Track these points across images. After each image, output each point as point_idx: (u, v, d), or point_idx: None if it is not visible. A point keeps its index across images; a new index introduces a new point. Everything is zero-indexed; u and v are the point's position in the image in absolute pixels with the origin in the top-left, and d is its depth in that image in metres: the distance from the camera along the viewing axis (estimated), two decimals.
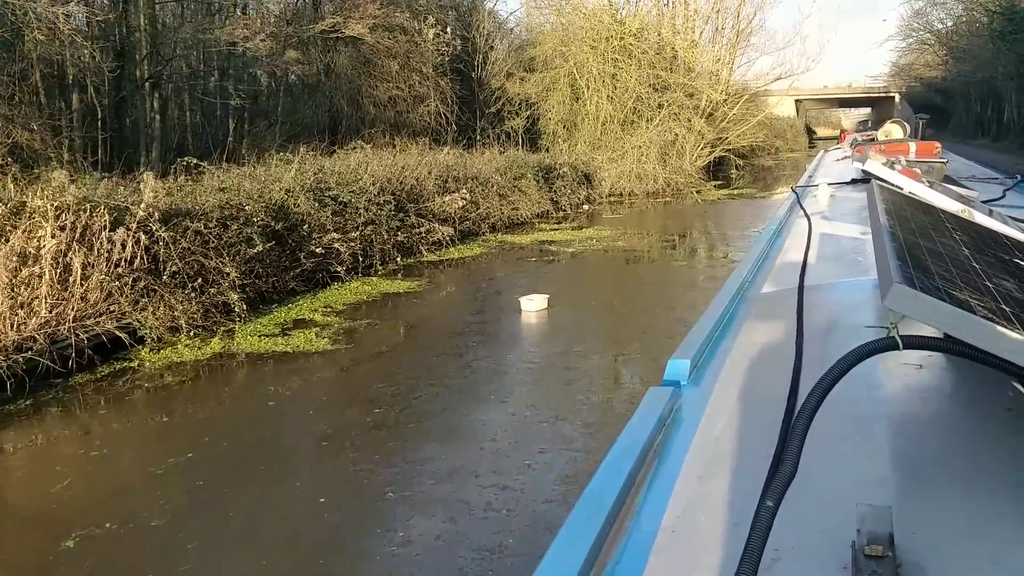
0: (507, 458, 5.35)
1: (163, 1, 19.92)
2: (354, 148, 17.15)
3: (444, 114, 25.73)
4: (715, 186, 28.18)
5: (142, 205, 9.71)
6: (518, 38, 33.91)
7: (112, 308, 9.10)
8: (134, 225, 9.59)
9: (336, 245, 12.52)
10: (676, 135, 28.17)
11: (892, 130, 13.78)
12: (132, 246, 9.58)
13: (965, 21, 45.76)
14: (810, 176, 8.09)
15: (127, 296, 9.29)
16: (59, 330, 8.59)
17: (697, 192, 26.19)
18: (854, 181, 6.15)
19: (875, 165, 4.93)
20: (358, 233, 13.17)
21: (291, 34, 21.35)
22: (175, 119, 21.66)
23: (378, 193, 14.35)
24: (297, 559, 4.29)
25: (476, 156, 21.33)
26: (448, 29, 30.20)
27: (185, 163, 12.99)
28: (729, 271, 3.26)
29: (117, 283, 9.25)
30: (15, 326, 8.34)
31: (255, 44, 18.15)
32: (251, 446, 5.82)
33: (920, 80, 57.99)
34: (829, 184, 5.94)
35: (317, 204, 12.89)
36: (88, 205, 9.54)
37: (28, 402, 7.14)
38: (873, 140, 13.59)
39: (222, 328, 9.67)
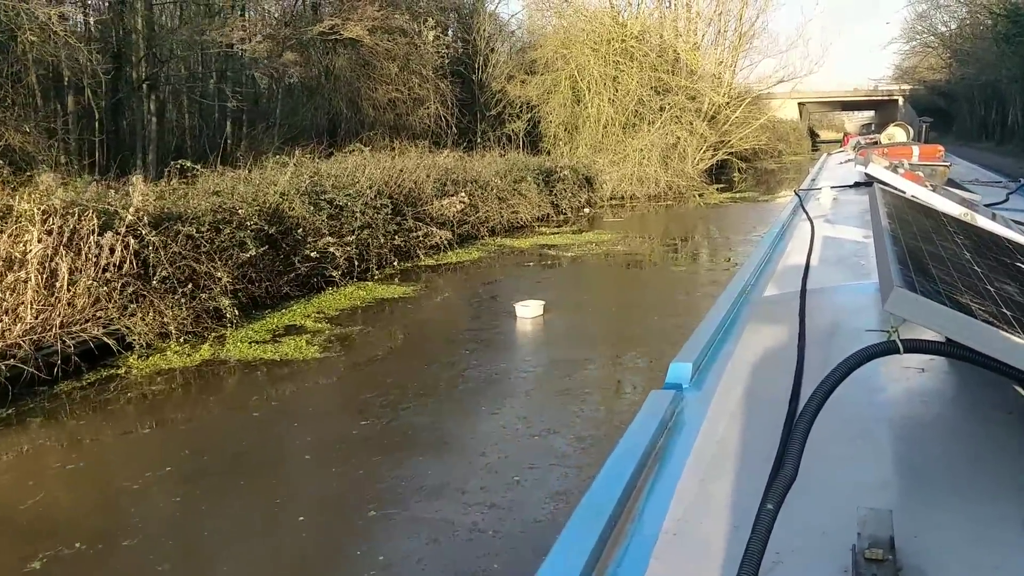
0: (496, 474, 5.15)
1: (160, 2, 19.75)
2: (352, 151, 16.97)
3: (444, 117, 25.55)
4: (717, 189, 27.98)
5: (131, 209, 9.52)
6: (520, 40, 33.80)
7: (99, 314, 8.92)
8: (123, 229, 9.42)
9: (331, 249, 12.33)
10: (678, 138, 27.98)
11: (895, 133, 13.75)
12: (121, 251, 9.41)
13: (969, 24, 45.57)
14: (813, 179, 8.04)
15: (115, 302, 9.10)
16: (45, 337, 8.41)
17: (699, 195, 26.01)
18: (857, 184, 6.08)
19: (878, 169, 4.92)
20: (354, 237, 12.98)
21: (289, 36, 21.19)
22: (173, 121, 21.52)
23: (375, 196, 14.16)
24: None
25: (476, 159, 21.15)
26: (449, 32, 30.05)
27: (179, 166, 12.85)
28: (731, 276, 3.13)
29: (105, 288, 9.07)
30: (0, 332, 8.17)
31: (252, 46, 17.97)
32: (232, 459, 5.63)
33: (924, 83, 57.76)
34: (832, 187, 5.91)
35: (312, 208, 12.70)
36: (76, 209, 9.38)
37: (10, 411, 6.96)
38: (876, 143, 13.54)
39: (213, 334, 9.50)
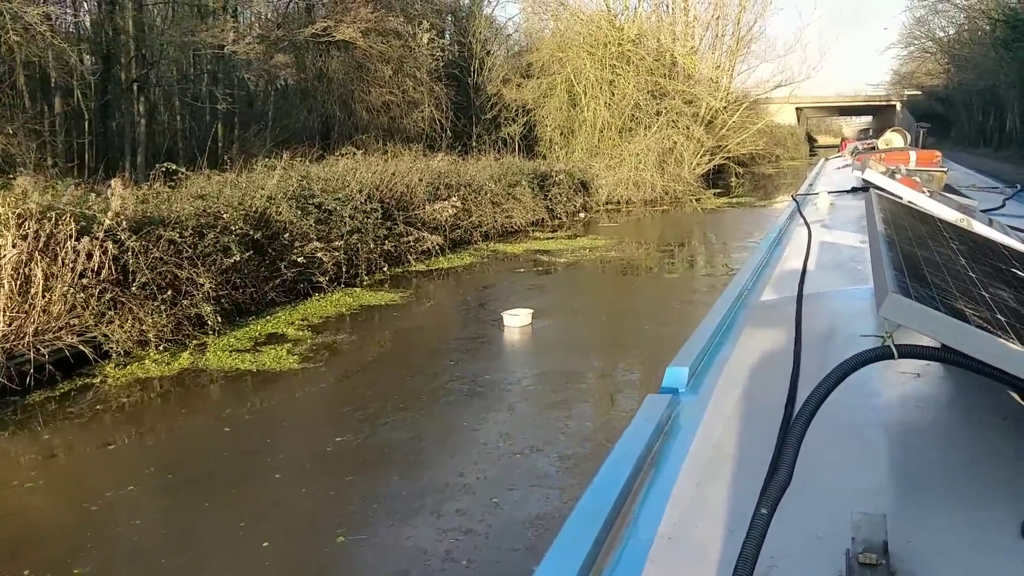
0: (473, 496, 4.89)
1: (151, 3, 19.50)
2: (344, 154, 16.73)
3: (439, 120, 25.32)
4: (714, 194, 27.76)
5: (108, 213, 9.27)
6: (516, 44, 33.59)
7: (75, 321, 8.67)
8: (101, 234, 9.16)
9: (319, 255, 12.08)
10: (675, 143, 27.77)
11: (893, 139, 13.68)
12: (99, 256, 9.16)
13: (967, 29, 45.45)
14: (810, 184, 8.02)
15: (92, 308, 8.85)
16: (18, 345, 8.16)
17: (696, 200, 25.79)
18: (854, 190, 6.10)
19: (875, 174, 4.91)
20: (342, 242, 12.73)
21: (282, 38, 20.94)
22: (165, 124, 21.26)
23: (365, 200, 13.91)
24: None
25: (471, 163, 20.91)
26: (446, 35, 29.83)
27: (164, 169, 12.60)
28: (726, 283, 2.99)
29: (82, 295, 8.82)
30: None
31: (242, 47, 17.72)
32: (197, 478, 5.37)
33: (921, 88, 57.63)
34: (829, 192, 5.91)
35: (300, 212, 12.45)
36: (53, 213, 9.12)
37: None
38: (874, 149, 13.44)
39: (194, 342, 9.25)
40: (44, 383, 7.78)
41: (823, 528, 1.13)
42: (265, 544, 4.43)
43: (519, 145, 28.05)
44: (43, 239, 8.90)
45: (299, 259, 11.75)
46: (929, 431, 1.53)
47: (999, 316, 1.30)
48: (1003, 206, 5.69)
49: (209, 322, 9.57)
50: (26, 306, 8.49)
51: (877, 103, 65.98)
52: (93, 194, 10.58)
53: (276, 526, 4.65)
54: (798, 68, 58.41)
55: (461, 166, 19.81)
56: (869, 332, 1.92)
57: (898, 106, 62.04)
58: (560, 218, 20.90)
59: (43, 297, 8.64)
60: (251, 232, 11.11)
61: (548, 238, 17.77)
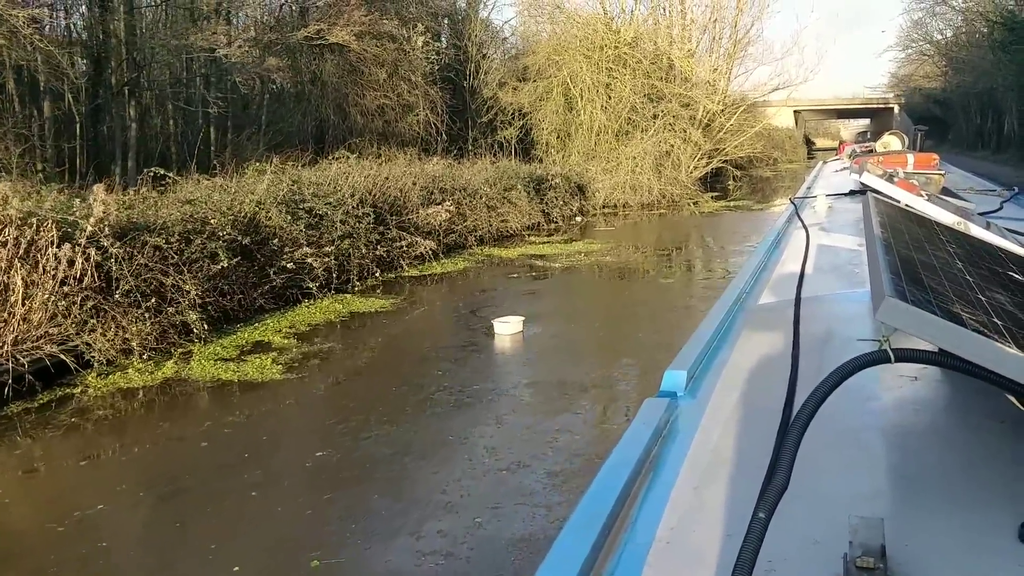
0: (456, 515, 4.68)
1: (141, 6, 19.32)
2: (337, 158, 16.54)
3: (434, 123, 25.15)
4: (712, 197, 27.59)
5: (90, 220, 9.07)
6: (513, 47, 33.43)
7: (55, 330, 8.46)
8: (83, 241, 8.96)
9: (309, 260, 11.88)
10: (671, 146, 27.61)
11: (890, 142, 13.69)
12: (82, 263, 8.96)
13: (965, 32, 45.39)
14: (808, 187, 8.00)
15: (74, 317, 8.66)
16: None
17: (694, 204, 25.64)
18: (852, 193, 6.08)
19: (872, 178, 4.91)
20: (333, 248, 12.53)
21: (275, 41, 20.75)
22: (158, 128, 21.07)
23: (357, 205, 13.71)
24: None
25: (466, 166, 20.72)
26: (442, 38, 29.67)
27: (152, 173, 12.42)
28: (724, 288, 2.92)
29: (64, 303, 8.62)
30: None
31: (232, 51, 17.52)
32: (170, 497, 5.16)
33: (919, 91, 57.52)
34: (827, 196, 5.90)
35: (290, 217, 12.26)
36: (34, 219, 8.93)
37: None
38: (871, 152, 13.39)
39: (180, 350, 9.06)
40: (23, 394, 7.58)
41: (821, 532, 1.13)
42: (236, 569, 4.22)
43: (515, 149, 27.89)
44: (23, 246, 8.72)
45: (289, 265, 11.55)
46: (926, 434, 1.53)
47: (996, 320, 1.30)
48: (1000, 209, 5.67)
49: (195, 330, 9.38)
50: (5, 315, 8.30)
51: (875, 106, 65.92)
52: (78, 199, 10.37)
53: (249, 549, 4.44)
54: (796, 71, 58.20)
55: (456, 170, 19.62)
56: (867, 336, 1.91)
57: (896, 109, 61.97)
58: (556, 222, 20.72)
59: (23, 305, 8.44)
60: (239, 238, 10.91)
61: (544, 242, 17.59)
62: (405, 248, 14.53)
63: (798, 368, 1.71)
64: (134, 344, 8.76)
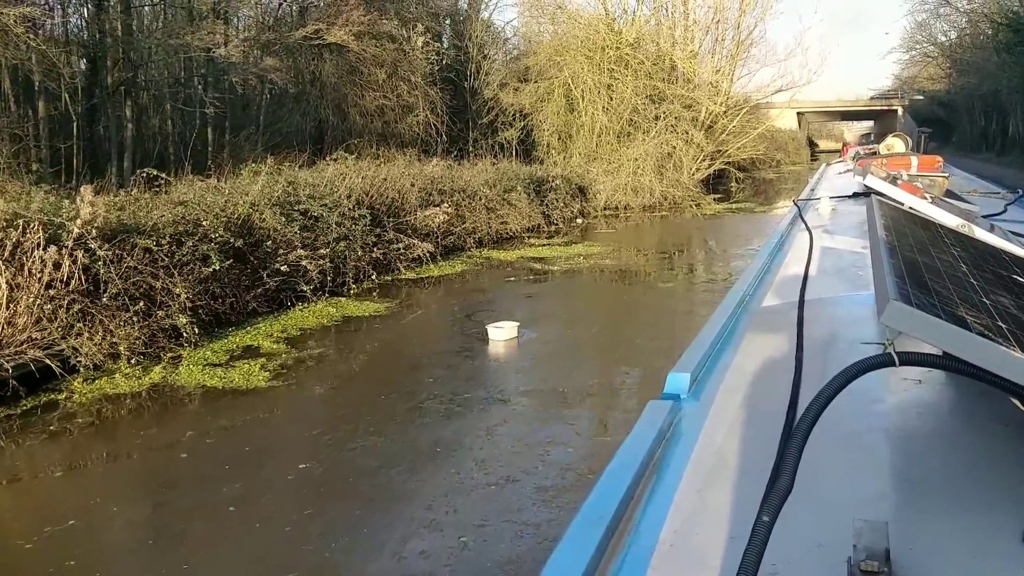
0: (440, 534, 4.47)
1: (138, 5, 19.16)
2: (335, 159, 16.36)
3: (434, 124, 24.96)
4: (714, 199, 27.37)
5: (77, 222, 8.89)
6: (515, 48, 33.25)
7: (40, 335, 8.28)
8: (70, 243, 8.79)
9: (303, 263, 11.69)
10: (674, 147, 27.39)
11: (894, 144, 13.69)
12: (69, 265, 8.79)
13: (969, 33, 45.14)
14: (812, 189, 7.97)
15: (60, 321, 8.48)
16: None
17: (696, 206, 25.43)
18: (856, 195, 6.04)
19: (876, 180, 4.88)
20: (328, 250, 12.34)
21: (273, 40, 20.58)
22: (156, 128, 20.91)
23: (354, 207, 13.53)
24: None
25: (466, 168, 20.53)
26: (443, 38, 29.50)
27: (145, 174, 12.26)
28: (724, 293, 2.90)
29: (50, 306, 8.44)
30: None
31: (227, 50, 17.35)
32: (144, 512, 4.97)
33: (923, 93, 57.22)
34: (831, 198, 5.89)
35: (284, 219, 12.07)
36: (20, 221, 8.75)
37: None
38: (875, 154, 13.32)
39: (169, 355, 8.89)
40: (7, 399, 7.41)
41: (825, 535, 1.13)
42: None
43: (516, 150, 27.71)
44: (9, 248, 8.55)
45: (282, 267, 11.36)
46: (931, 438, 1.52)
47: (1000, 323, 1.29)
48: (1005, 211, 5.61)
49: (185, 334, 9.19)
50: None
51: (878, 108, 65.66)
52: (67, 201, 10.19)
53: (223, 569, 4.24)
54: (799, 72, 57.73)
55: (456, 171, 19.43)
56: (871, 339, 1.87)
57: (899, 111, 61.71)
58: (557, 224, 20.53)
59: (7, 309, 8.27)
60: (232, 240, 10.73)
61: (543, 245, 17.39)
62: (402, 250, 14.34)
63: (802, 371, 1.68)
64: (122, 349, 8.59)
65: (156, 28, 19.39)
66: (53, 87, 16.62)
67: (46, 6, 15.86)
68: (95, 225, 9.14)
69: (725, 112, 30.48)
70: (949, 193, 6.04)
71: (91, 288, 8.90)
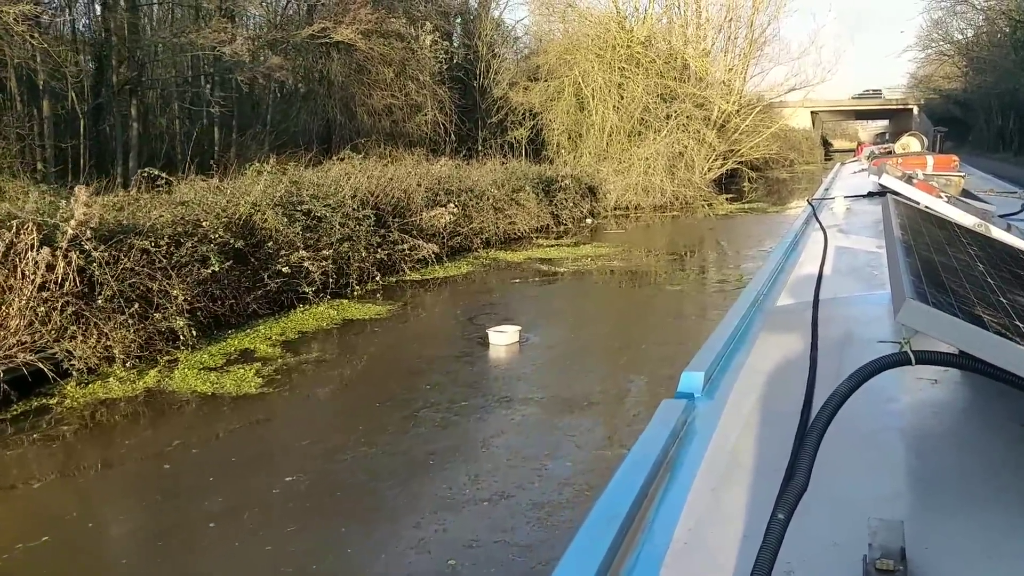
0: (428, 556, 4.23)
1: (144, 3, 19.03)
2: (342, 158, 16.18)
3: (442, 124, 24.74)
4: (727, 199, 27.04)
5: (71, 222, 8.71)
6: (526, 46, 33.01)
7: (33, 337, 8.11)
8: (64, 244, 8.62)
9: (305, 264, 11.49)
10: (685, 147, 27.07)
11: (909, 143, 13.73)
12: (63, 267, 8.62)
13: (986, 31, 44.61)
14: (826, 189, 7.92)
15: (54, 323, 8.31)
16: None
17: (708, 205, 25.13)
18: (871, 194, 6.02)
19: (891, 179, 4.83)
20: (332, 251, 12.14)
21: (279, 39, 20.42)
22: (164, 127, 20.81)
23: (358, 207, 13.32)
24: None
25: (475, 167, 20.32)
26: (453, 37, 29.29)
27: (146, 174, 12.11)
28: (736, 296, 2.82)
29: (43, 308, 8.28)
30: None
31: (233, 49, 17.19)
32: (119, 529, 4.75)
33: (939, 92, 56.58)
34: (846, 197, 5.87)
35: (287, 219, 11.87)
36: (14, 222, 8.59)
37: None
38: (890, 153, 13.27)
39: (166, 358, 8.71)
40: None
41: (840, 534, 1.12)
42: None
43: (526, 149, 27.47)
44: (1, 249, 8.38)
45: (284, 269, 11.16)
46: (946, 437, 1.52)
47: (1018, 322, 1.29)
48: (1022, 211, 5.51)
49: (182, 337, 9.02)
50: None
51: (894, 107, 65.04)
52: (65, 201, 10.04)
53: None
54: (813, 71, 57.19)
55: (464, 171, 19.22)
56: (886, 338, 1.79)
57: (915, 110, 61.12)
58: (566, 224, 20.28)
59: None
60: (232, 241, 10.54)
61: (551, 246, 17.14)
62: (407, 251, 14.13)
63: (816, 370, 1.68)
64: (116, 352, 8.43)
65: (162, 27, 19.25)
66: (58, 86, 16.52)
67: (52, 4, 15.73)
68: (90, 226, 8.97)
69: (738, 111, 30.15)
70: (965, 192, 6.01)
71: (86, 290, 8.74)
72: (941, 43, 51.79)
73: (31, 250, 8.48)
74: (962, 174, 7.73)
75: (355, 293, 11.96)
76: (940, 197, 4.30)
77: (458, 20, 30.01)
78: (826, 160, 50.90)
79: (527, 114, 28.01)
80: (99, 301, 8.69)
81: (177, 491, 5.24)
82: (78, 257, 8.69)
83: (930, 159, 9.46)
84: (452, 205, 15.71)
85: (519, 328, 8.69)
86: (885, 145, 18.78)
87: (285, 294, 11.16)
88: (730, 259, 16.26)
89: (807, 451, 1.02)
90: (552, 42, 29.42)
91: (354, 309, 10.82)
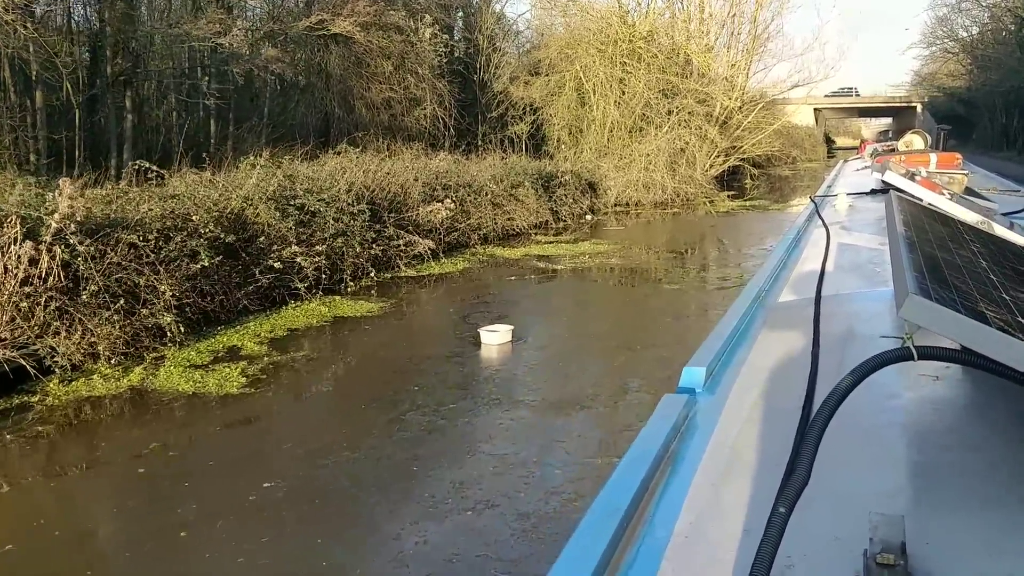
0: (406, 569, 4.03)
1: None
2: (338, 152, 15.97)
3: (442, 118, 24.50)
4: (728, 196, 26.82)
5: (55, 216, 8.52)
6: (528, 41, 32.77)
7: (8, 335, 7.93)
8: (47, 238, 8.43)
9: (298, 259, 11.29)
10: (687, 143, 26.83)
11: (913, 141, 13.78)
12: (48, 261, 8.44)
13: (991, 29, 44.34)
14: (829, 186, 7.95)
15: (37, 319, 8.13)
16: None
17: (709, 202, 24.92)
18: (873, 192, 6.03)
19: (894, 176, 4.85)
20: (325, 246, 11.94)
21: (277, 31, 20.20)
22: (160, 119, 20.61)
23: (353, 202, 13.12)
24: None
25: (474, 162, 20.10)
26: (454, 31, 29.05)
27: (137, 166, 11.93)
28: (734, 296, 2.76)
29: (25, 304, 8.09)
30: None
31: (228, 40, 16.96)
32: (87, 538, 4.56)
33: (943, 90, 56.28)
34: (848, 194, 5.88)
35: (279, 214, 11.67)
36: None
37: None
38: (893, 150, 13.23)
39: (152, 355, 8.53)
40: None
41: (841, 529, 1.12)
42: None
43: (526, 144, 27.24)
44: None
45: (276, 264, 10.97)
46: (948, 433, 1.52)
47: (1021, 319, 1.28)
48: None
49: (170, 333, 8.83)
50: None
51: (897, 104, 64.72)
52: (52, 194, 9.85)
53: None
54: (816, 68, 56.75)
55: (463, 166, 19.00)
56: (888, 334, 1.87)
57: (919, 108, 60.80)
58: (565, 220, 20.06)
59: None
60: (223, 235, 10.34)
61: (550, 242, 16.93)
62: (403, 247, 13.93)
63: (818, 366, 1.67)
64: (101, 348, 8.25)
65: (157, 17, 19.03)
66: (50, 77, 16.30)
67: None
68: (75, 220, 8.77)
69: (740, 107, 29.91)
70: (968, 190, 6.00)
71: (70, 285, 8.55)
72: (946, 40, 51.52)
73: (14, 244, 8.30)
74: (965, 172, 7.69)
75: (349, 289, 11.76)
76: (943, 194, 4.28)
77: (459, 14, 29.75)
78: (829, 158, 50.61)
79: (528, 109, 27.77)
80: (84, 296, 8.50)
81: (150, 497, 5.05)
82: (63, 251, 8.51)
83: (933, 157, 9.42)
84: (448, 200, 15.49)
85: (511, 327, 8.50)
86: (888, 143, 18.63)
87: (277, 290, 10.98)
88: (731, 257, 16.05)
89: (808, 445, 1.02)
90: (553, 36, 29.18)
91: (346, 306, 10.63)
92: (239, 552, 4.27)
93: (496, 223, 17.52)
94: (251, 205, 11.57)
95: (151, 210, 10.15)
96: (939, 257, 1.65)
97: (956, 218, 2.78)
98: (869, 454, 1.40)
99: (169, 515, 4.70)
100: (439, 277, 13.12)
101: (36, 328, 8.12)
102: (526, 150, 26.30)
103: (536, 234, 18.01)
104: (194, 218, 10.32)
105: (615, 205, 24.17)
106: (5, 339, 7.75)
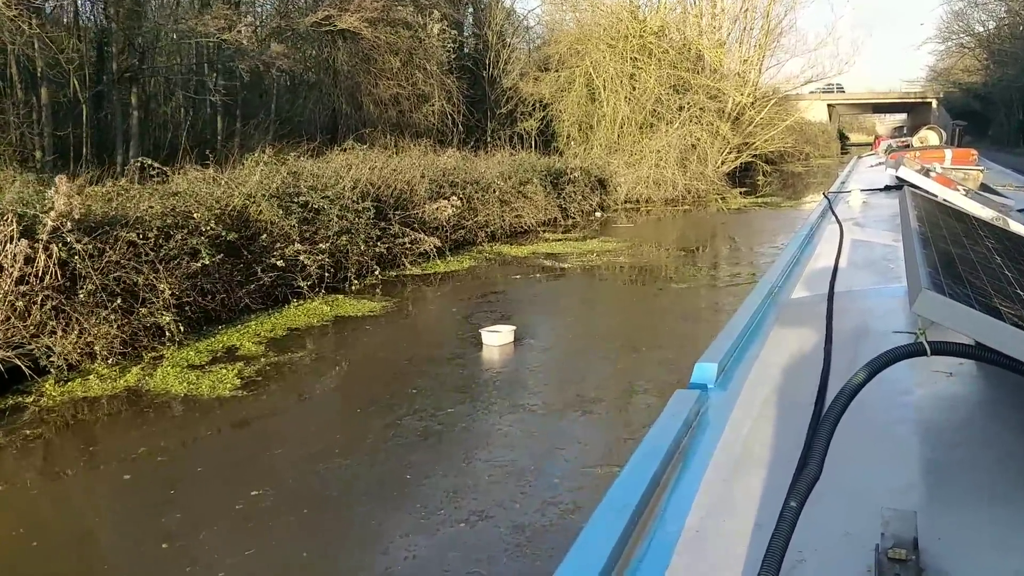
0: None
1: None
2: (345, 149, 15.82)
3: (450, 114, 24.32)
4: (740, 193, 26.53)
5: (51, 213, 8.40)
6: (538, 36, 32.55)
7: (3, 334, 7.81)
8: (44, 236, 8.31)
9: (301, 257, 11.14)
10: (698, 139, 26.55)
11: (928, 136, 13.68)
12: (44, 259, 8.32)
13: (1008, 24, 43.83)
14: (843, 182, 7.92)
15: (33, 318, 8.01)
16: None
17: (721, 199, 24.65)
18: (888, 188, 6.02)
19: (909, 172, 4.81)
20: (329, 244, 11.78)
21: (283, 27, 20.07)
22: (168, 115, 20.54)
23: (358, 199, 12.95)
24: None
25: (482, 159, 19.91)
26: (463, 26, 28.87)
27: (140, 163, 11.83)
28: (745, 295, 2.64)
29: (21, 303, 7.98)
30: None
31: (234, 36, 16.84)
32: (63, 548, 4.38)
33: (958, 85, 55.68)
34: (862, 190, 5.87)
35: (282, 211, 11.52)
36: None
37: None
38: (908, 146, 13.14)
39: (151, 354, 8.41)
40: None
41: (853, 524, 1.12)
42: None
43: (536, 141, 27.04)
44: None
45: (279, 262, 10.82)
46: (961, 429, 1.52)
47: None
48: None
49: (169, 332, 8.70)
50: None
51: (912, 100, 64.09)
52: (50, 191, 9.73)
53: None
54: (830, 63, 56.22)
55: (471, 162, 18.81)
56: (901, 330, 1.74)
57: (934, 103, 60.20)
58: (574, 217, 19.85)
59: None
60: (224, 233, 10.20)
61: (558, 240, 16.72)
62: (408, 245, 13.76)
63: (830, 362, 1.65)
64: (98, 348, 8.13)
65: (164, 13, 18.93)
66: (56, 74, 16.25)
67: None
68: (72, 217, 8.65)
69: (752, 103, 29.60)
70: (984, 187, 5.95)
71: (67, 284, 8.43)
72: (961, 35, 50.97)
73: (10, 242, 8.19)
74: (981, 168, 7.62)
75: (352, 288, 11.61)
76: (958, 191, 4.22)
77: (469, 9, 29.57)
78: (842, 154, 50.16)
79: (537, 105, 27.57)
80: (81, 295, 8.38)
81: (133, 505, 4.89)
82: (60, 249, 8.39)
83: (948, 153, 9.30)
84: (454, 197, 15.31)
85: (514, 328, 8.30)
86: (903, 139, 18.37)
87: (279, 288, 10.83)
88: (743, 255, 15.80)
89: (821, 440, 1.02)
90: (563, 32, 28.95)
91: (348, 305, 10.46)
92: (221, 566, 4.07)
93: (504, 220, 17.33)
94: (254, 202, 11.43)
95: (151, 207, 10.02)
96: (953, 253, 1.64)
97: (971, 214, 2.74)
98: (881, 449, 1.41)
99: (152, 524, 4.51)
100: (445, 275, 12.95)
101: (32, 327, 8.00)
102: (535, 147, 26.09)
103: (544, 231, 17.81)
104: (195, 216, 10.19)
105: (625, 202, 23.94)
106: (1, 338, 7.63)
